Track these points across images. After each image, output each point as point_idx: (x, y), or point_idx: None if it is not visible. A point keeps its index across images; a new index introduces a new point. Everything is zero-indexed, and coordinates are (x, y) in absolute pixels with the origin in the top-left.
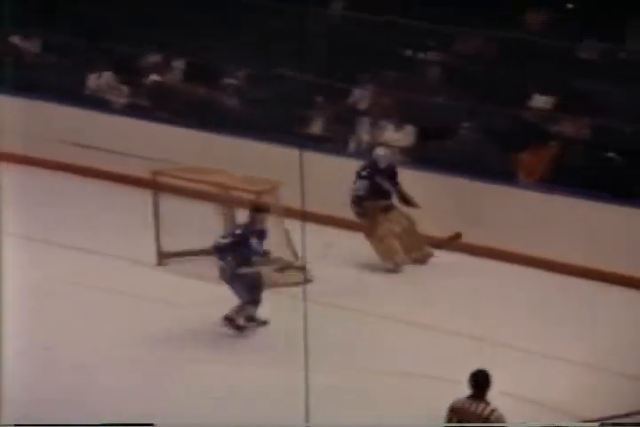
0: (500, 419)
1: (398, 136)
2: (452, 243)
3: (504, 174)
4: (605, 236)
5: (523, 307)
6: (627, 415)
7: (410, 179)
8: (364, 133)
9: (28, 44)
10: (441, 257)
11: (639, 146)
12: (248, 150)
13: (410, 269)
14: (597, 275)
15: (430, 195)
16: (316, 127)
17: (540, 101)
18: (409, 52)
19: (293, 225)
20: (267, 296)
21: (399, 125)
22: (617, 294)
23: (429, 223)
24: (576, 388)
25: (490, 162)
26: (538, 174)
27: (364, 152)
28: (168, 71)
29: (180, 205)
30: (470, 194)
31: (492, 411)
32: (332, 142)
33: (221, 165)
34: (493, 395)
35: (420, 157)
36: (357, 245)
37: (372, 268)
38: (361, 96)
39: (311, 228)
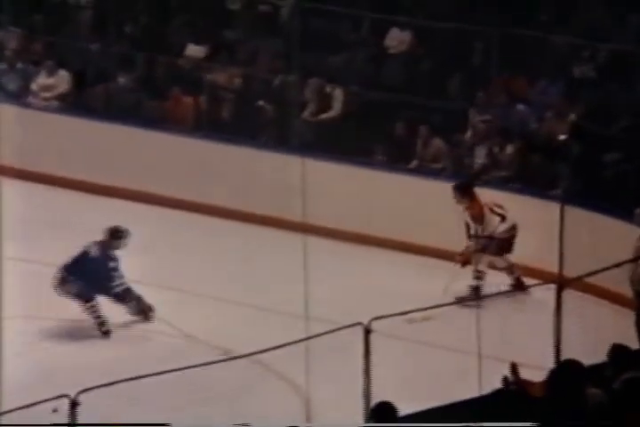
0: None
1: (53, 82)
2: None
3: (157, 121)
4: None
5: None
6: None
7: (66, 126)
8: (10, 78)
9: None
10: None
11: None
12: None
13: None
14: (255, 218)
15: (80, 140)
16: None
17: (194, 50)
18: None
19: None
20: None
21: (52, 71)
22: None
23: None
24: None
25: (144, 108)
26: (187, 122)
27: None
28: None
29: None
30: (126, 140)
31: None
32: None
33: None
34: None
35: (77, 103)
36: None
37: None
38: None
39: None
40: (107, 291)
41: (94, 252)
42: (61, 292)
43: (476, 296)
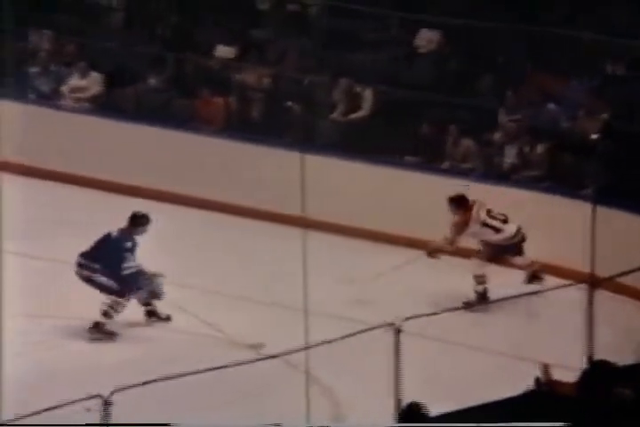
0: None
1: (85, 83)
2: None
3: (186, 121)
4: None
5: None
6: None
7: (97, 127)
8: (44, 80)
9: None
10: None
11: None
12: None
13: None
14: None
15: (110, 141)
16: None
17: (223, 51)
18: None
19: None
20: None
21: (85, 72)
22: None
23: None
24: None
25: (174, 109)
26: (217, 123)
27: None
28: None
29: None
30: (155, 140)
31: None
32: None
33: None
34: None
35: (108, 104)
36: None
37: None
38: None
39: None
40: (118, 274)
41: (114, 234)
42: (80, 279)
43: (483, 301)
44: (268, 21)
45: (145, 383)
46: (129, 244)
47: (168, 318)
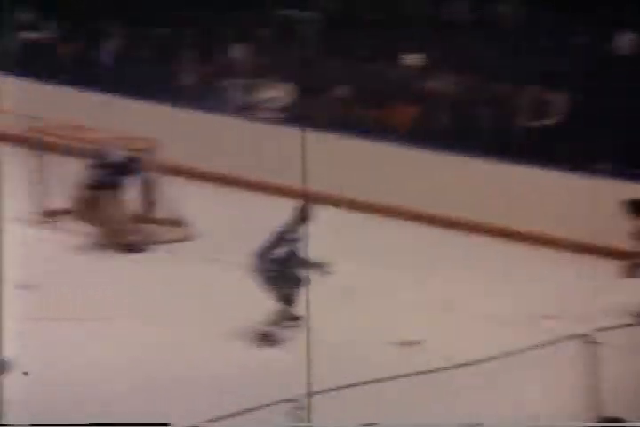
0: None
1: (276, 94)
2: None
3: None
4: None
5: None
6: None
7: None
8: (237, 92)
9: None
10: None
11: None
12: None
13: None
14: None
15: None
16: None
17: (412, 59)
18: (284, 11)
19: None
20: None
21: (276, 83)
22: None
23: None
24: None
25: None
26: (402, 130)
27: (240, 110)
28: None
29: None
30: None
31: None
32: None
33: None
34: None
35: (298, 115)
36: None
37: None
38: (238, 54)
39: None
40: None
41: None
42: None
43: None
44: (458, 30)
45: (343, 388)
46: (291, 235)
47: (297, 319)
